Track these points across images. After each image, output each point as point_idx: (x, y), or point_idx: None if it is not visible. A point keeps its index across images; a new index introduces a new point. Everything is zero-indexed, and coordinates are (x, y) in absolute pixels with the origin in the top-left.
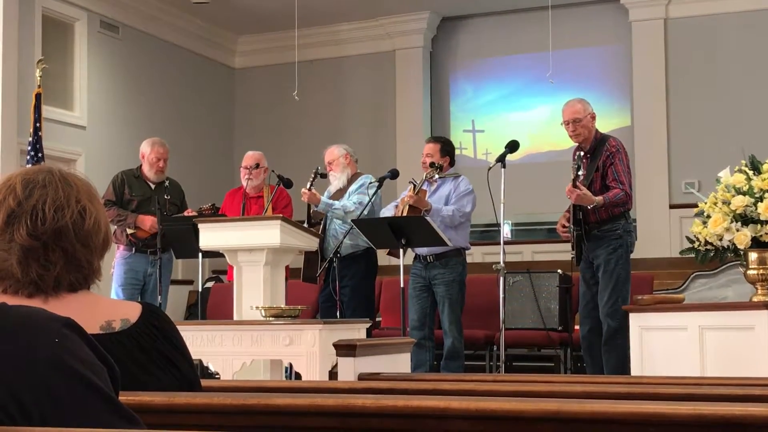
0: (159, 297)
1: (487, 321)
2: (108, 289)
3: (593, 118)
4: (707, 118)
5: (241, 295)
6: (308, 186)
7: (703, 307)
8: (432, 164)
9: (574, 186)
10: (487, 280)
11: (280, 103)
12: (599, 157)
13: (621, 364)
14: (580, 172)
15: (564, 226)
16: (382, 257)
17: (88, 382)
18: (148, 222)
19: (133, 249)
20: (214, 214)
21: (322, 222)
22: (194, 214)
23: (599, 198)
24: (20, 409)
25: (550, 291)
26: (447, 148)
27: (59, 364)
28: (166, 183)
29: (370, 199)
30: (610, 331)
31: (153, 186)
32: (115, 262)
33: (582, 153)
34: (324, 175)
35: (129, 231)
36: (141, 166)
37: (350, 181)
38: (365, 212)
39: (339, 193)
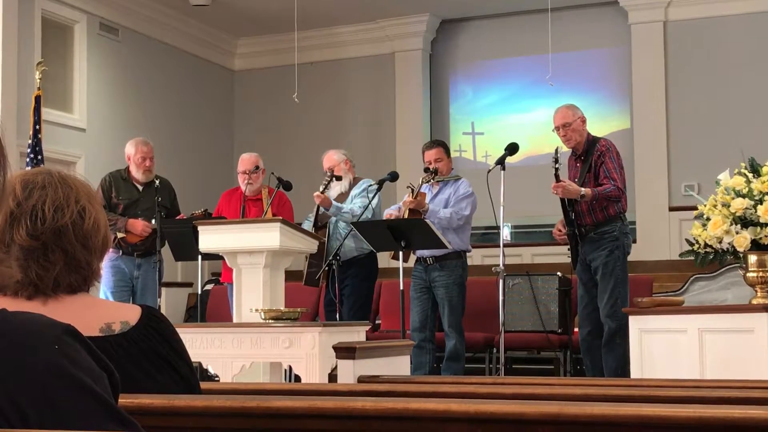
0: (159, 299)
1: (486, 323)
2: (97, 293)
3: (583, 121)
4: (707, 120)
5: (240, 298)
6: (321, 189)
7: (703, 309)
8: (426, 169)
9: (557, 181)
10: (486, 283)
11: (280, 106)
12: (591, 158)
13: (621, 364)
14: (558, 165)
15: (560, 230)
16: (383, 260)
17: (87, 389)
18: (140, 226)
19: (120, 251)
20: (206, 219)
21: (327, 225)
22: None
23: (587, 189)
24: (19, 415)
25: (550, 293)
26: (448, 151)
27: (59, 371)
28: (157, 183)
29: (370, 201)
30: (610, 332)
31: (141, 188)
32: (103, 265)
33: (558, 156)
34: (339, 178)
35: (119, 235)
36: (128, 167)
37: (351, 186)
38: (368, 216)
39: (340, 198)
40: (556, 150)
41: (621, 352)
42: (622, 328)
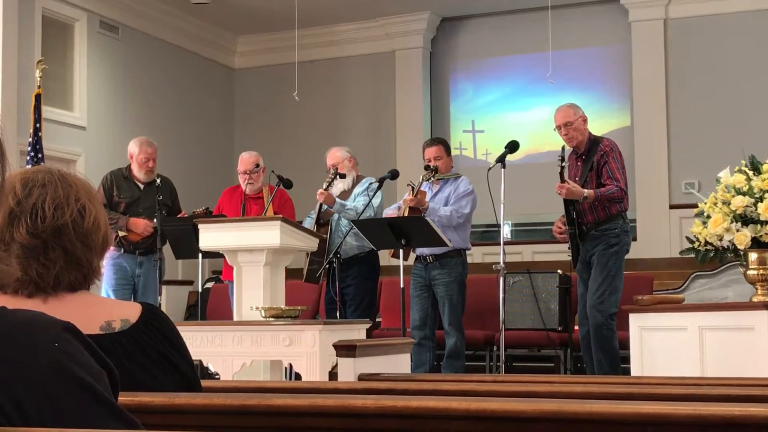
0: (159, 297)
1: (487, 321)
2: (98, 292)
3: (585, 120)
4: (707, 118)
5: (241, 296)
6: (325, 186)
7: (703, 307)
8: (427, 167)
9: (562, 181)
10: (487, 281)
11: (280, 104)
12: (593, 158)
13: (608, 356)
14: (564, 164)
15: (560, 227)
16: (382, 258)
17: (87, 386)
18: (142, 225)
19: (122, 249)
20: (208, 217)
21: (330, 222)
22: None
23: (590, 191)
24: (19, 413)
25: (550, 291)
26: (449, 149)
27: (59, 369)
28: (158, 182)
29: (371, 200)
30: (595, 324)
31: (142, 186)
32: (104, 263)
33: (563, 155)
34: (343, 175)
35: (120, 234)
36: (130, 165)
37: (354, 184)
38: (369, 214)
39: (343, 196)
40: (563, 149)
41: (608, 345)
42: (609, 320)
